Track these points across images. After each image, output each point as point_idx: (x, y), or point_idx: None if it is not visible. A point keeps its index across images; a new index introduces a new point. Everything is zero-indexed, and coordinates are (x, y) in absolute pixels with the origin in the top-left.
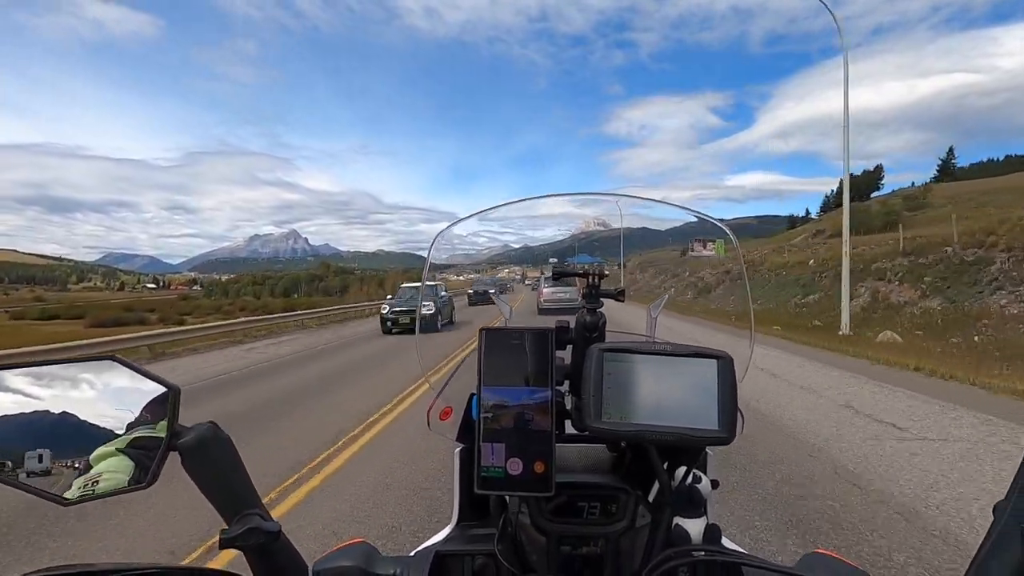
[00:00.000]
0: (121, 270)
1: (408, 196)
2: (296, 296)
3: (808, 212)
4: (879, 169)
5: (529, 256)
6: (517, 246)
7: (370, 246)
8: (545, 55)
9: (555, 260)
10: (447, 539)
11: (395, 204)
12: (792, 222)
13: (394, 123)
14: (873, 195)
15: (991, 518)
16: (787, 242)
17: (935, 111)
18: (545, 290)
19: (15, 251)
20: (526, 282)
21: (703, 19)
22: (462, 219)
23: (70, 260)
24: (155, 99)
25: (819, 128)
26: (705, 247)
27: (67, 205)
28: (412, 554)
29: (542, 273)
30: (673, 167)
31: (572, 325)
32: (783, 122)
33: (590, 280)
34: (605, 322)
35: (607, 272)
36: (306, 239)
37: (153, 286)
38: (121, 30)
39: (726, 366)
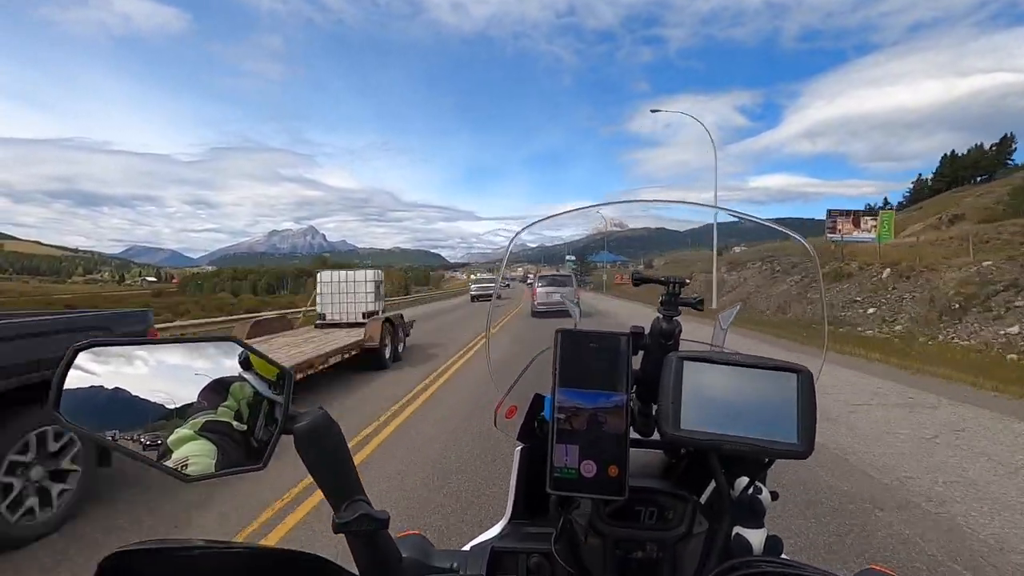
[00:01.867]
0: (136, 263)
1: (426, 194)
2: (281, 293)
3: (888, 201)
4: (1008, 140)
5: (544, 255)
6: (534, 246)
7: (387, 243)
8: (571, 51)
9: (572, 258)
10: (501, 535)
11: (413, 202)
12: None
13: (415, 120)
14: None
15: None
16: (901, 235)
17: (972, 112)
18: (539, 290)
19: (39, 243)
20: (528, 281)
21: (736, 14)
22: (532, 223)
23: (88, 252)
24: (180, 94)
25: (849, 128)
26: (859, 225)
27: (94, 199)
28: (466, 548)
29: (536, 273)
30: (696, 167)
31: (647, 331)
32: (812, 121)
33: (670, 288)
34: (681, 330)
35: (688, 280)
36: (324, 235)
37: (153, 279)
38: (148, 24)
39: (806, 380)
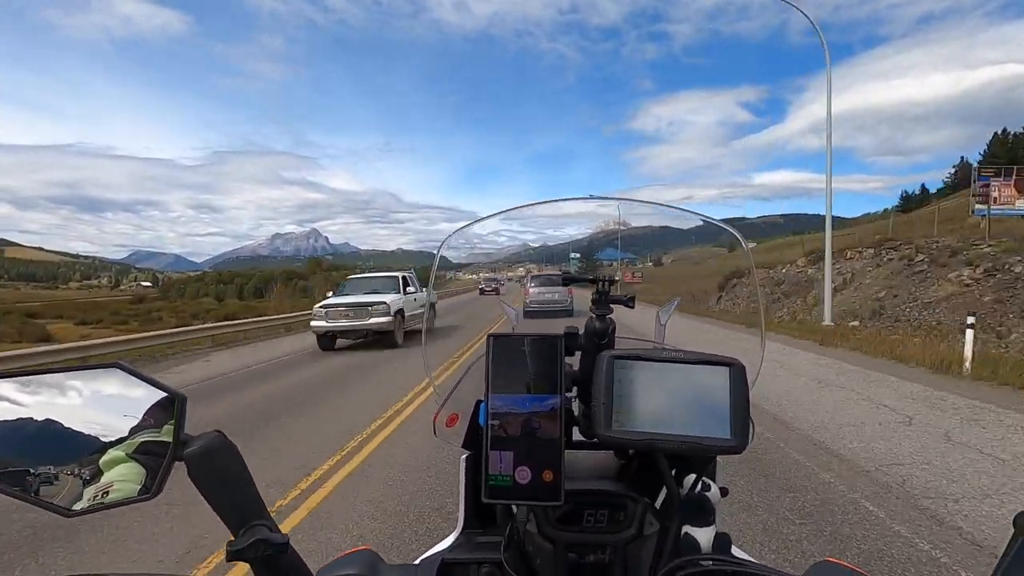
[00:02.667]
0: (136, 268)
1: (429, 195)
2: (269, 297)
3: (925, 187)
4: None
5: (546, 254)
6: (536, 245)
7: (389, 245)
8: (575, 48)
9: (577, 256)
10: (452, 547)
11: (415, 203)
12: (906, 201)
13: (417, 121)
14: None
15: None
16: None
17: (981, 104)
18: (532, 290)
19: (41, 249)
20: (526, 281)
21: (741, 8)
22: (470, 223)
23: (89, 258)
24: (182, 98)
25: (856, 122)
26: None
27: (98, 204)
28: (417, 562)
29: (528, 273)
30: (700, 165)
31: (582, 331)
32: (818, 116)
33: (600, 286)
34: (615, 328)
35: (617, 278)
36: (327, 238)
37: (148, 284)
38: (150, 26)
39: (738, 374)
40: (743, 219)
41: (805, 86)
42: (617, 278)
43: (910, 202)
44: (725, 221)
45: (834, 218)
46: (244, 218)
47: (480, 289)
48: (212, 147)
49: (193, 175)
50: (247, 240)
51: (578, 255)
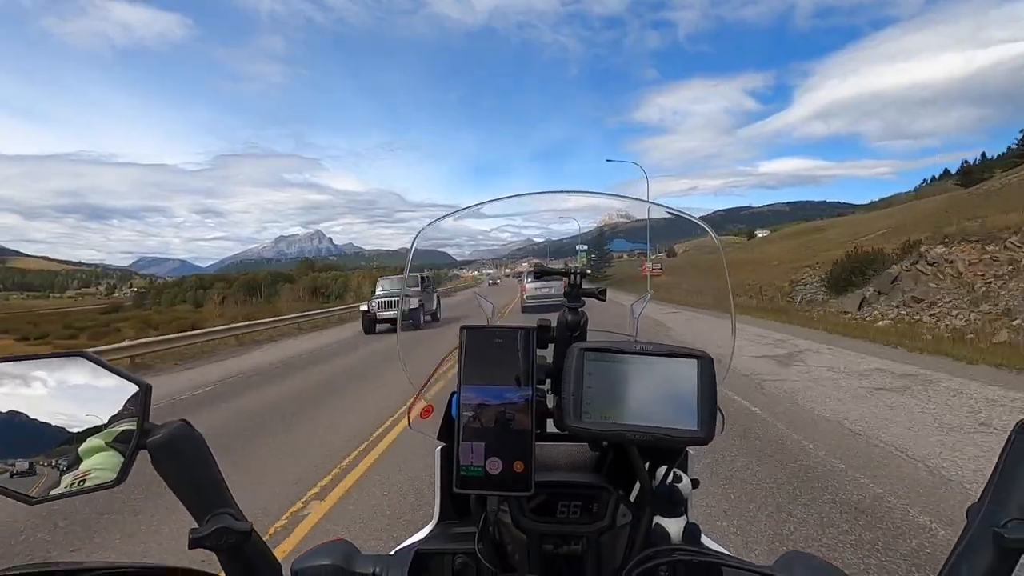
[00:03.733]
0: (139, 275)
1: (432, 193)
2: (255, 301)
3: (985, 154)
4: None
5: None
6: (540, 240)
7: (394, 244)
8: (577, 39)
9: (585, 247)
10: (428, 537)
11: (419, 202)
12: (968, 173)
13: (420, 119)
14: None
15: None
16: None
17: (992, 84)
18: (528, 285)
19: (47, 258)
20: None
21: None
22: (444, 216)
23: (92, 266)
24: (183, 103)
25: (863, 107)
26: None
27: (103, 212)
28: (392, 552)
29: (525, 269)
30: (705, 154)
31: (554, 324)
32: (824, 102)
33: (571, 279)
34: (587, 321)
35: (589, 271)
36: (330, 239)
37: (144, 290)
38: (148, 32)
39: (706, 366)
40: (748, 208)
41: (811, 70)
42: (590, 271)
43: (970, 174)
44: (729, 210)
45: (842, 204)
46: (248, 221)
47: (488, 282)
48: (214, 151)
49: (196, 180)
50: (251, 243)
51: (586, 247)
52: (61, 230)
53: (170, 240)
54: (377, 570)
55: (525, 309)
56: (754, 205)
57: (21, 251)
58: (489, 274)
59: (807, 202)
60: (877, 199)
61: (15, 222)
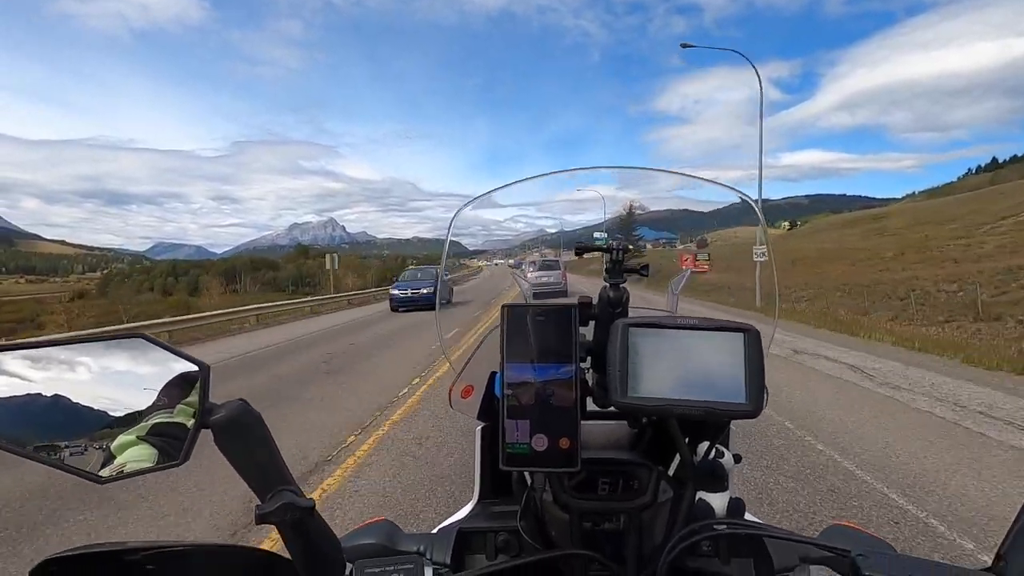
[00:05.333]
0: (152, 260)
1: (447, 182)
2: (236, 292)
3: (996, 160)
4: None
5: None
6: (553, 230)
7: (407, 233)
8: (600, 24)
9: (603, 235)
10: (469, 516)
11: (433, 191)
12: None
13: (436, 107)
14: None
15: None
16: None
17: None
18: (531, 275)
19: (64, 242)
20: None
21: None
22: (475, 199)
23: (106, 250)
24: (200, 87)
25: (892, 97)
26: None
27: (122, 197)
28: (435, 531)
29: (528, 258)
30: (725, 145)
31: (595, 301)
32: (851, 91)
33: (613, 255)
34: (628, 298)
35: (631, 247)
36: (343, 227)
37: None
38: (166, 14)
39: (753, 339)
40: (767, 200)
41: (840, 59)
42: (631, 247)
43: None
44: (745, 203)
45: (864, 198)
46: (264, 208)
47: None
48: (232, 137)
49: (213, 166)
50: (266, 230)
51: (605, 235)
52: (81, 215)
53: (187, 226)
54: (421, 548)
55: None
56: (773, 198)
57: (41, 235)
58: (497, 263)
59: (827, 195)
60: (901, 195)
61: (36, 206)
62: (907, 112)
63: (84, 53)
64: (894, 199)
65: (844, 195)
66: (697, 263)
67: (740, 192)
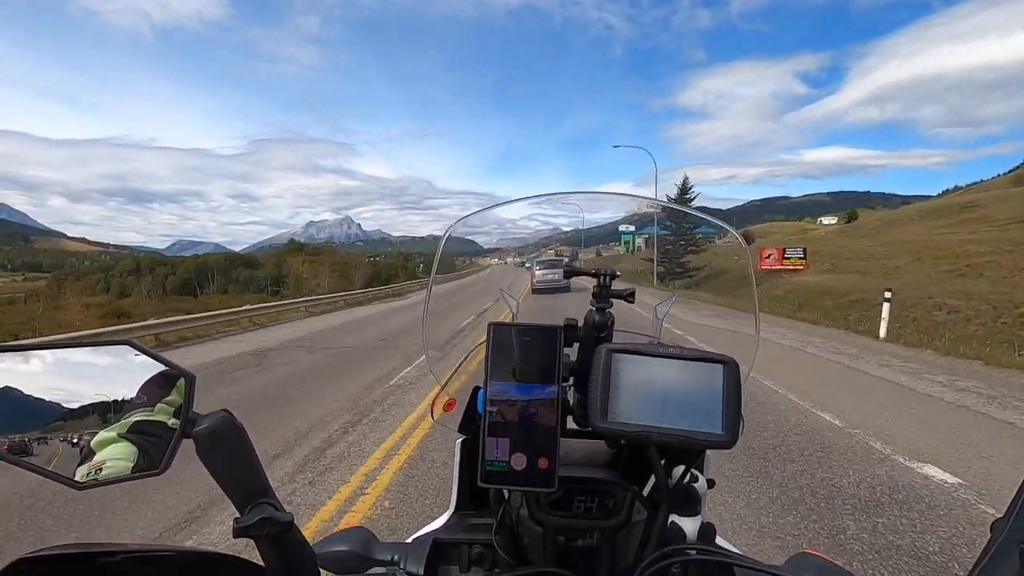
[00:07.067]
0: (169, 257)
1: (464, 181)
2: (207, 292)
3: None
4: None
5: (577, 239)
6: (568, 229)
7: (422, 231)
8: (623, 18)
9: (630, 230)
10: (444, 527)
11: (449, 189)
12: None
13: (454, 105)
14: None
15: None
16: None
17: None
18: (538, 272)
19: (85, 240)
20: (527, 265)
21: None
22: (473, 213)
23: (123, 247)
24: (220, 85)
25: (921, 90)
26: None
27: (144, 196)
28: (409, 540)
29: (534, 257)
30: (747, 142)
31: (580, 323)
32: (880, 84)
33: (600, 280)
34: (613, 322)
35: (619, 273)
36: (359, 224)
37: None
38: (186, 10)
39: (731, 371)
40: (786, 198)
41: (870, 51)
42: (619, 273)
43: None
44: (765, 200)
45: (887, 195)
46: (282, 206)
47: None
48: (250, 136)
49: (233, 164)
50: (284, 228)
51: (633, 228)
52: (105, 213)
53: (206, 224)
54: (395, 557)
55: (535, 290)
56: (792, 195)
57: (65, 232)
58: (496, 262)
59: (850, 192)
60: (934, 193)
61: (62, 204)
62: (937, 106)
63: (107, 52)
64: (925, 196)
65: (868, 192)
66: (786, 262)
67: (714, 219)
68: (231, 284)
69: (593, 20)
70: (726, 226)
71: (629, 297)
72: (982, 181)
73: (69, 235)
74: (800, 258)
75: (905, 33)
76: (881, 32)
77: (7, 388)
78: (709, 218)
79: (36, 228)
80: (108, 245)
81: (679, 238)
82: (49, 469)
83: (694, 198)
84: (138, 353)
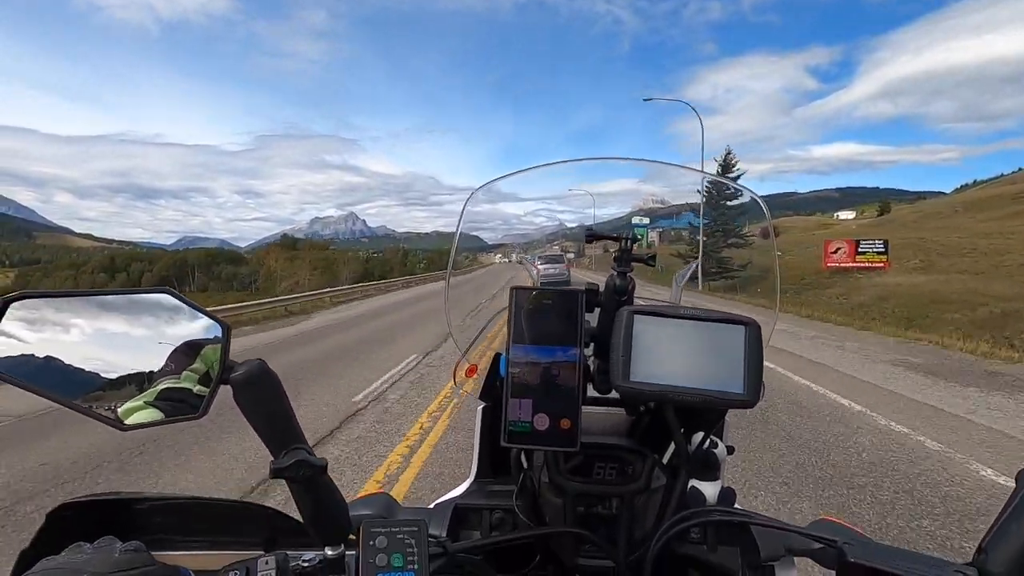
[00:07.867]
0: (170, 252)
1: (469, 178)
2: (187, 290)
3: None
4: None
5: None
6: (573, 225)
7: (427, 227)
8: (632, 11)
9: (644, 221)
10: (466, 493)
11: (455, 185)
12: None
13: (460, 101)
14: None
15: None
16: None
17: None
18: (540, 266)
19: (91, 236)
20: (528, 259)
21: None
22: (489, 182)
23: (125, 243)
24: (225, 81)
25: (933, 85)
26: None
27: (150, 192)
28: (432, 506)
29: (537, 253)
30: (756, 137)
31: (601, 288)
32: (891, 78)
33: (622, 244)
34: (635, 287)
35: (639, 236)
36: (364, 221)
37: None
38: (192, 4)
39: (753, 332)
40: (794, 194)
41: (882, 44)
42: (640, 237)
43: None
44: (772, 196)
45: (896, 191)
46: (287, 203)
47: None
48: (256, 132)
49: (238, 161)
50: (288, 224)
51: (647, 220)
52: (112, 209)
53: (212, 220)
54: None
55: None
56: (800, 191)
57: (72, 229)
58: (510, 259)
59: (859, 188)
60: (947, 190)
61: (69, 200)
62: (949, 101)
63: (112, 47)
64: (937, 192)
65: (877, 188)
66: (859, 258)
67: (748, 189)
68: (213, 281)
69: (601, 13)
70: (762, 203)
71: (650, 261)
72: (1001, 176)
73: (76, 231)
74: (880, 252)
75: (917, 26)
76: (893, 25)
77: (50, 357)
78: (754, 193)
79: (43, 224)
80: (114, 241)
81: (717, 227)
82: (94, 411)
83: (739, 176)
84: (176, 300)
